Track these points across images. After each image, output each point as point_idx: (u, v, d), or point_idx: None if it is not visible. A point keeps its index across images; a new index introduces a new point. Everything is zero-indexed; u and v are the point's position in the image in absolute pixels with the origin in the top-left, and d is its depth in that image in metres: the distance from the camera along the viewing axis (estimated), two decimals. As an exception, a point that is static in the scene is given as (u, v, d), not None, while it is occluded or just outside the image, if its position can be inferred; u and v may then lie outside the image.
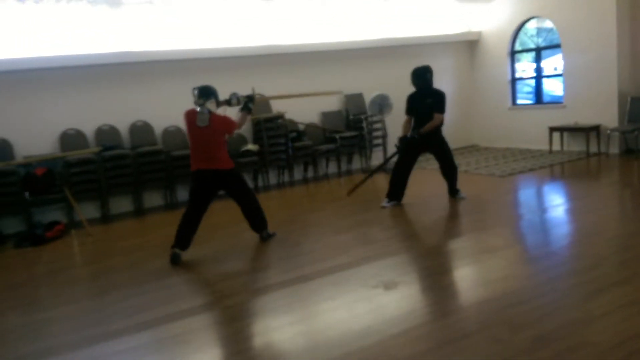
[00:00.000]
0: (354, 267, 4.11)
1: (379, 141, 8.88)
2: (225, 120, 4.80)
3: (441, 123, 5.92)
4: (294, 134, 8.28)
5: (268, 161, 8.06)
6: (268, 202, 7.21)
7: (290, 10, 8.29)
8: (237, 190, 5.00)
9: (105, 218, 6.97)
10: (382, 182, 7.97)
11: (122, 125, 7.29)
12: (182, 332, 3.26)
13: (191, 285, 4.17)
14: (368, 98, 8.73)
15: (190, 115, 4.79)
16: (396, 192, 6.07)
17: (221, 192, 5.11)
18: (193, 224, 4.80)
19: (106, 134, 7.16)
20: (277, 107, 8.26)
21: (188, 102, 7.88)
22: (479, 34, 10.14)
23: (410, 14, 9.52)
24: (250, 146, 7.92)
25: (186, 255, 4.86)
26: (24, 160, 6.50)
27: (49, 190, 6.42)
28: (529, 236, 4.83)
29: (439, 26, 9.92)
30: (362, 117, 8.80)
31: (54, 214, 6.62)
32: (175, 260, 4.63)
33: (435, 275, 3.92)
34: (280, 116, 8.09)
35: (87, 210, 6.87)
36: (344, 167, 8.98)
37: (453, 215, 5.65)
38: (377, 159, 9.03)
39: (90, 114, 7.08)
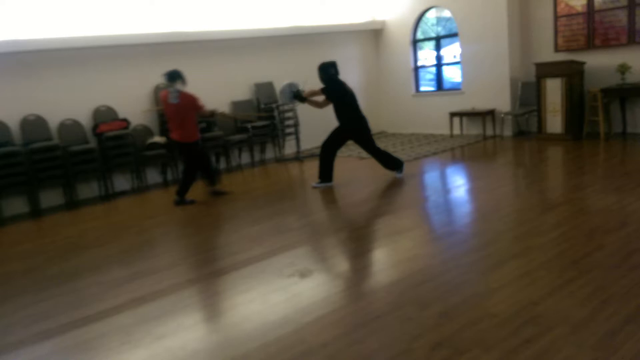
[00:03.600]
0: (269, 258, 4.11)
1: (292, 130, 8.90)
2: (191, 98, 5.92)
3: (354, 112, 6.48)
4: (203, 125, 8.05)
5: (176, 154, 7.79)
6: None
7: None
8: (188, 161, 6.27)
9: (35, 213, 6.41)
10: (295, 170, 8.03)
11: (12, 119, 6.70)
12: (88, 338, 3.09)
13: (97, 288, 3.95)
14: (278, 86, 8.70)
15: (164, 95, 6.02)
16: (325, 173, 6.46)
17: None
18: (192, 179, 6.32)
19: (32, 125, 6.57)
20: (184, 97, 7.98)
21: (83, 93, 7.46)
22: (383, 22, 10.43)
23: (317, 2, 9.60)
24: (157, 138, 7.62)
25: (89, 256, 4.60)
26: None
27: None
28: (434, 217, 5.10)
29: (345, 15, 10.08)
30: (274, 105, 8.76)
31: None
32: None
33: (348, 260, 4.03)
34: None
35: (13, 207, 6.30)
36: (257, 157, 8.91)
37: (363, 201, 5.81)
38: (290, 147, 9.05)
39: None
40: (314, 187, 6.42)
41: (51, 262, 4.68)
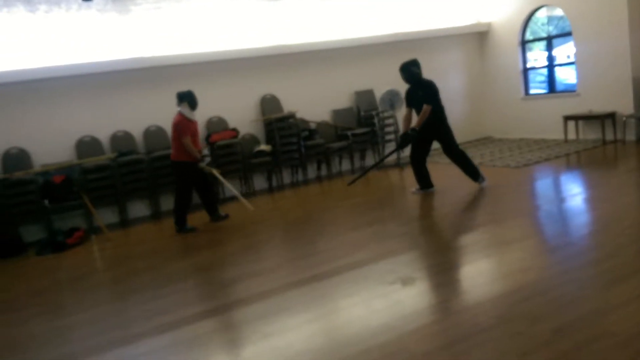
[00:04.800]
0: (370, 264, 4.12)
1: (391, 136, 8.86)
2: (180, 125, 5.78)
3: (435, 113, 6.01)
4: (305, 133, 8.30)
5: (281, 161, 8.10)
6: (282, 201, 7.28)
7: (297, 10, 8.32)
8: (178, 182, 6.08)
9: (123, 223, 7.06)
10: (395, 178, 7.98)
11: (137, 130, 7.39)
12: (201, 333, 3.31)
13: (208, 287, 4.22)
14: (378, 94, 8.72)
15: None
16: (423, 180, 6.27)
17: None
18: (188, 202, 6.12)
19: (121, 140, 7.26)
20: (288, 106, 8.29)
21: (200, 105, 8.01)
22: (489, 24, 10.05)
23: (418, 7, 9.49)
24: (263, 146, 7.97)
25: (201, 257, 4.92)
26: (41, 168, 6.62)
27: (67, 198, 6.53)
28: (546, 227, 4.80)
29: (447, 19, 9.87)
30: (374, 113, 8.79)
31: (74, 221, 6.73)
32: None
33: (451, 269, 3.92)
34: (291, 116, 8.12)
35: (106, 216, 6.97)
36: (357, 164, 8.98)
37: (468, 208, 5.62)
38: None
39: (105, 121, 7.18)
40: (414, 193, 6.33)
41: (168, 261, 5.08)
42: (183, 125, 5.78)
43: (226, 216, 6.28)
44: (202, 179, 6.09)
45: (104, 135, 7.20)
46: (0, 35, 6.32)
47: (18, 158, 6.64)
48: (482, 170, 6.37)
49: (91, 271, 5.28)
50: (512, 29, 9.66)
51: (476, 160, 7.93)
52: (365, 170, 7.06)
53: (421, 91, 5.98)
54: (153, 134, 7.48)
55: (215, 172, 6.39)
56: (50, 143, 6.84)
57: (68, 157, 6.96)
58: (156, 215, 7.30)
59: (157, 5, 6.68)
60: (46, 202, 6.39)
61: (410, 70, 6.06)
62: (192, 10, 7.46)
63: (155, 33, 7.38)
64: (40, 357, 3.33)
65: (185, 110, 5.83)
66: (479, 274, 3.82)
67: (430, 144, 6.27)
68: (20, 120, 6.74)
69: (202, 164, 6.02)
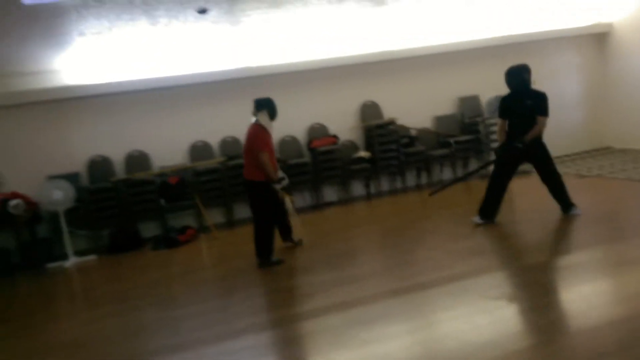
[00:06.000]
0: (472, 277, 3.96)
1: (497, 144, 8.45)
2: (257, 135, 4.96)
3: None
4: (405, 140, 8.19)
5: (379, 168, 8.06)
6: (380, 209, 7.25)
7: (400, 15, 8.24)
8: (255, 206, 5.08)
9: (230, 223, 7.43)
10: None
11: (244, 136, 7.72)
12: (300, 334, 3.37)
13: (308, 288, 4.29)
14: (484, 100, 8.39)
15: None
16: (491, 209, 5.45)
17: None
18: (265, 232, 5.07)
19: (230, 145, 7.65)
20: (388, 113, 8.24)
21: (300, 112, 8.20)
22: (610, 25, 9.26)
23: (530, 8, 8.98)
24: (362, 153, 7.99)
25: (300, 259, 5.02)
26: (159, 170, 7.18)
27: (181, 198, 7.01)
28: (676, 248, 4.29)
29: (562, 19, 9.23)
30: (478, 119, 8.46)
31: (186, 219, 7.21)
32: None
33: (563, 288, 3.64)
34: (391, 122, 8.06)
35: (214, 216, 7.38)
36: (459, 172, 8.68)
37: (584, 225, 5.18)
38: (495, 163, 8.61)
39: (216, 127, 7.62)
40: (477, 225, 5.46)
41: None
42: (262, 138, 4.96)
43: (300, 243, 5.56)
44: (277, 201, 5.16)
45: (214, 140, 7.64)
46: (124, 46, 6.97)
47: (139, 160, 7.25)
48: (601, 184, 5.85)
49: (200, 267, 5.62)
50: (637, 29, 8.82)
51: (594, 172, 7.33)
52: (450, 182, 6.67)
53: (530, 100, 5.30)
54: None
55: (288, 199, 5.60)
56: (167, 147, 7.40)
57: (182, 160, 7.48)
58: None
59: (265, 17, 6.96)
60: (162, 201, 6.91)
61: (521, 76, 5.32)
62: (297, 19, 7.68)
63: (263, 43, 7.71)
64: (151, 345, 3.59)
65: (264, 120, 5.03)
66: (596, 295, 3.51)
67: (520, 164, 5.53)
68: (142, 126, 7.36)
69: (278, 186, 5.03)
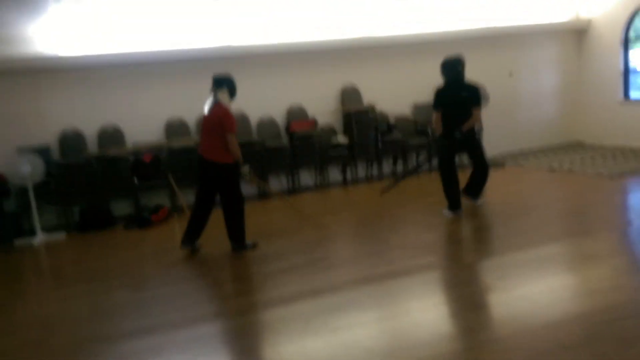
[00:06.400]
0: (443, 268, 4.02)
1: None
2: (225, 115, 4.66)
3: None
4: (384, 127, 8.21)
5: (357, 154, 8.07)
6: (356, 196, 7.27)
7: (384, 1, 8.21)
8: (223, 189, 4.82)
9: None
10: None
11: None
12: (272, 319, 3.38)
13: (281, 275, 4.28)
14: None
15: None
16: (455, 198, 5.54)
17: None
18: (198, 220, 4.87)
19: None
20: (368, 98, 8.23)
21: (279, 93, 8.10)
22: (588, 21, 9.40)
23: (511, 1, 9.04)
24: (340, 138, 7.97)
25: (271, 245, 5.01)
26: (133, 147, 7.03)
27: (155, 176, 6.88)
28: (638, 244, 4.44)
29: (542, 14, 9.33)
30: (456, 110, 8.51)
31: (159, 199, 7.10)
32: (193, 252, 4.89)
33: (533, 281, 3.73)
34: (370, 108, 8.05)
35: (188, 196, 7.29)
36: (435, 161, 8.75)
37: (551, 217, 5.32)
38: (470, 154, 8.71)
39: (193, 105, 7.44)
40: (446, 216, 5.53)
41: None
42: (231, 118, 4.72)
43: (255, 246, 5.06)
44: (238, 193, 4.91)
45: (191, 118, 7.51)
46: (102, 18, 6.75)
47: (113, 136, 7.08)
48: (571, 178, 6.01)
49: (173, 248, 5.54)
50: (614, 26, 8.97)
51: (565, 166, 7.49)
52: (399, 177, 6.73)
53: (466, 92, 5.46)
54: (238, 122, 7.65)
55: (256, 180, 5.32)
56: (142, 123, 7.23)
57: (157, 138, 7.33)
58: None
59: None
60: (135, 179, 6.79)
61: (456, 69, 5.46)
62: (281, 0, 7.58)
63: (244, 21, 7.57)
64: (122, 327, 3.55)
65: (225, 99, 4.75)
66: (563, 288, 3.62)
67: (458, 153, 5.80)
68: (117, 100, 7.17)
69: (245, 169, 4.89)
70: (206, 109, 4.79)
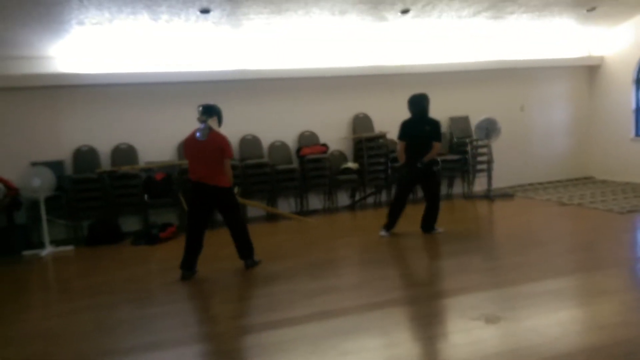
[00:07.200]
0: (452, 296, 3.99)
1: (484, 166, 8.58)
2: (224, 141, 4.88)
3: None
4: (394, 154, 8.25)
5: (367, 180, 8.10)
6: (364, 222, 7.27)
7: (397, 31, 8.35)
8: (229, 211, 5.00)
9: (212, 224, 7.37)
10: (484, 209, 7.68)
11: (234, 138, 7.72)
12: (281, 340, 3.36)
13: (289, 295, 4.27)
14: (475, 121, 8.50)
15: (192, 132, 4.97)
16: (395, 222, 6.11)
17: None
18: (197, 244, 4.94)
19: None
20: (379, 127, 8.30)
21: (292, 118, 8.24)
22: (601, 58, 9.49)
23: (525, 35, 9.16)
24: (350, 164, 8.03)
25: (281, 266, 5.01)
26: (145, 165, 7.12)
27: (165, 194, 6.95)
28: (651, 281, 4.39)
29: (556, 49, 9.44)
30: (467, 140, 8.57)
31: (168, 216, 7.15)
32: (185, 278, 4.89)
33: (541, 314, 3.69)
34: (381, 136, 8.12)
35: None
36: (444, 191, 8.77)
37: (562, 251, 5.28)
38: (480, 184, 8.72)
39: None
40: (382, 236, 6.06)
41: (251, 267, 5.22)
42: (229, 144, 4.92)
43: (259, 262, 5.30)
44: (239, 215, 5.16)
45: (203, 139, 7.60)
46: (122, 39, 6.92)
47: (126, 153, 7.19)
48: (581, 213, 5.98)
49: (179, 265, 5.55)
50: (626, 65, 9.06)
51: (575, 201, 7.47)
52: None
53: (429, 127, 5.91)
54: (248, 143, 7.80)
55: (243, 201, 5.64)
56: (155, 142, 7.36)
57: (170, 157, 7.43)
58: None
59: (267, 22, 6.98)
60: (146, 196, 6.85)
61: (422, 104, 5.97)
62: (298, 27, 7.73)
63: (262, 47, 7.73)
64: (127, 342, 3.54)
65: (215, 127, 4.96)
66: (572, 322, 3.57)
67: (417, 183, 6.25)
68: (132, 119, 7.31)
69: (238, 190, 5.20)
70: (198, 135, 4.89)
